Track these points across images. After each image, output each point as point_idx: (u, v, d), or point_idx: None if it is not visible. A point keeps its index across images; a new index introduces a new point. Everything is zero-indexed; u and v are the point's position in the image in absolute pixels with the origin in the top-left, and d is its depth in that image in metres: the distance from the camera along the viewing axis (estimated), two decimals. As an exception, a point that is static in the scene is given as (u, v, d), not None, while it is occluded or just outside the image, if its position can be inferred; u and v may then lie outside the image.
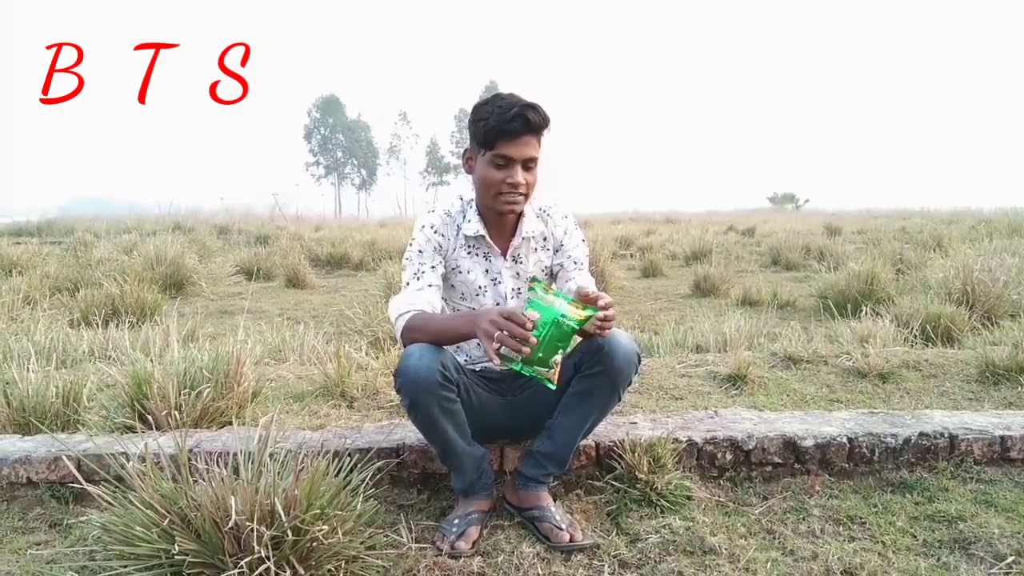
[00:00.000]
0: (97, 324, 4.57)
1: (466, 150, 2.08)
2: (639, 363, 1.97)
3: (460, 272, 2.13)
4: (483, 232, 2.09)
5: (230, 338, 3.55)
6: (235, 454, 1.83)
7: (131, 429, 2.49)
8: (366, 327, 4.71)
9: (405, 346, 1.94)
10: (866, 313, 4.80)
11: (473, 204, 2.13)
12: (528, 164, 1.99)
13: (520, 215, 2.11)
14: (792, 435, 2.29)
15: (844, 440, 2.28)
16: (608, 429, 2.36)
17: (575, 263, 2.16)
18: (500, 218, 2.09)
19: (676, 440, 2.26)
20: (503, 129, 1.92)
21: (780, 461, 2.30)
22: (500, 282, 2.14)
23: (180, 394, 2.57)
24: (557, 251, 2.18)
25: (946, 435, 2.31)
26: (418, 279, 2.05)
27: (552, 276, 2.21)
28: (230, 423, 2.62)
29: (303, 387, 3.24)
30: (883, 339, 4.10)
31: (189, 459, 1.87)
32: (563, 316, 1.72)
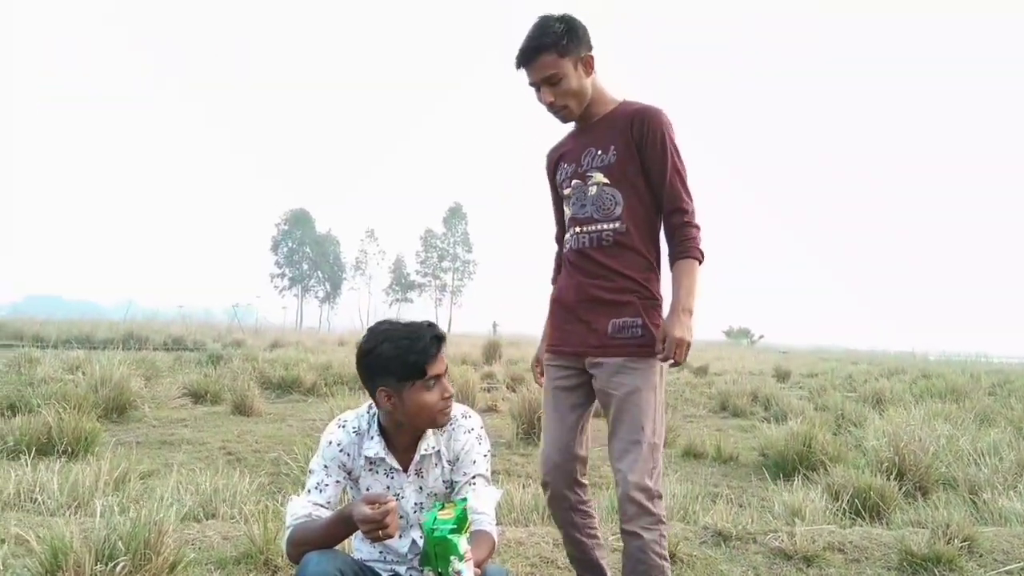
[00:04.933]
0: (27, 461, 4.46)
1: (381, 390, 2.07)
2: None
3: (361, 489, 2.18)
4: (383, 454, 2.14)
5: (158, 491, 3.52)
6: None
7: (41, 603, 2.43)
8: (304, 474, 4.66)
9: (290, 556, 2.02)
10: (800, 481, 4.90)
11: (376, 420, 2.18)
12: (447, 372, 2.14)
13: (421, 433, 2.17)
14: (703, 640, 2.32)
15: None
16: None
17: (469, 480, 2.17)
18: (402, 435, 2.15)
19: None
20: (427, 355, 2.04)
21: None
22: (403, 497, 2.17)
23: (96, 565, 2.53)
24: (454, 465, 2.22)
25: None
26: (320, 491, 2.12)
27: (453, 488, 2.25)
28: (145, 597, 2.57)
29: (227, 551, 3.19)
30: (813, 513, 4.18)
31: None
32: (433, 526, 1.80)
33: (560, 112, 2.43)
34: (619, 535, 3.62)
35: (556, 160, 2.60)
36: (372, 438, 2.16)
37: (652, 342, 2.30)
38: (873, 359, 25.26)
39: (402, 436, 2.16)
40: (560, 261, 2.66)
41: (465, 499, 2.00)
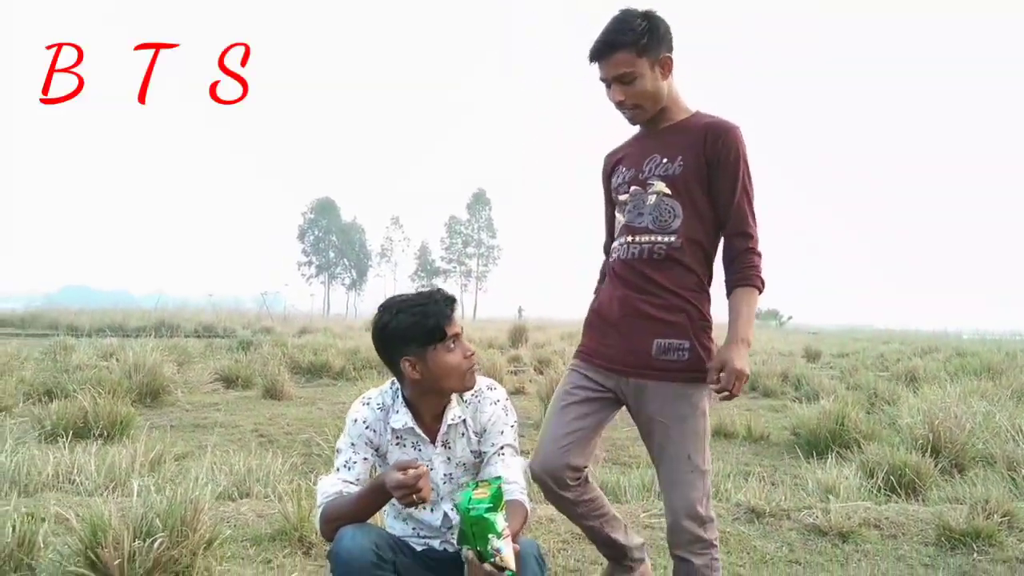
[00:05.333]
0: (65, 444, 4.54)
1: (406, 360, 2.08)
2: (541, 564, 1.99)
3: (390, 465, 2.18)
4: (412, 424, 2.16)
5: (192, 471, 3.56)
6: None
7: (82, 579, 2.48)
8: (335, 453, 4.70)
9: (323, 533, 2.04)
10: (833, 459, 4.84)
11: (400, 395, 2.19)
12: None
13: (447, 403, 2.18)
14: (739, 613, 2.31)
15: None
16: (558, 598, 2.37)
17: (498, 451, 2.18)
18: (428, 405, 2.16)
19: (624, 615, 2.27)
20: (444, 315, 2.07)
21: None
22: (432, 468, 2.17)
23: (134, 541, 2.57)
24: (481, 437, 2.22)
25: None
26: (349, 469, 2.14)
27: (481, 458, 2.25)
28: (183, 573, 2.61)
29: (262, 528, 3.22)
30: (847, 490, 4.13)
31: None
32: (469, 506, 1.78)
33: (629, 112, 2.30)
34: (648, 513, 3.64)
35: (614, 164, 2.45)
36: (398, 411, 2.17)
37: (700, 366, 2.19)
38: (905, 338, 24.89)
39: (428, 407, 2.17)
40: (603, 271, 2.55)
41: (499, 478, 2.00)
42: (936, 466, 4.76)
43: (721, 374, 2.10)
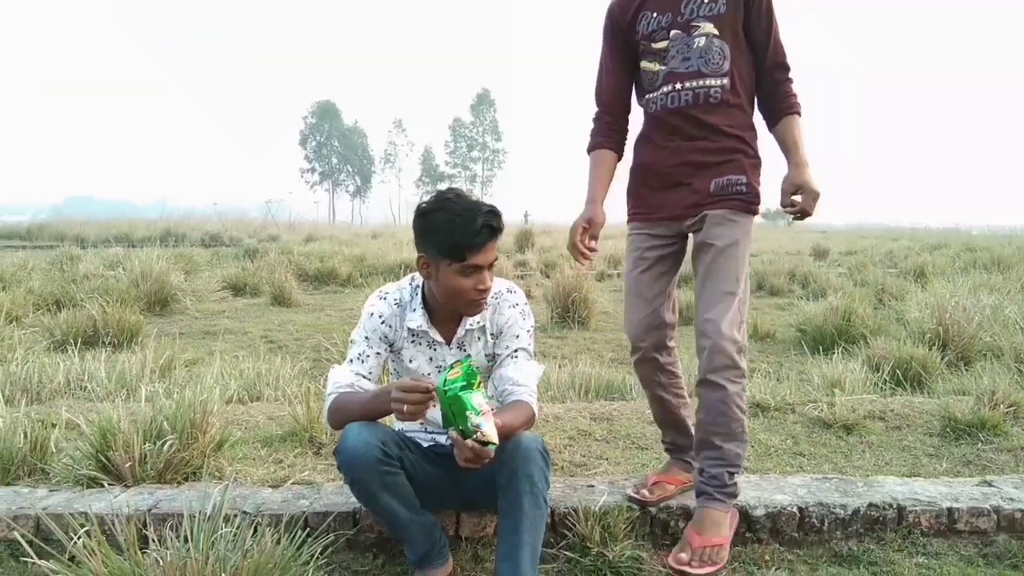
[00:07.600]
0: (74, 352, 4.57)
1: (421, 257, 2.03)
2: (545, 457, 1.97)
3: (403, 361, 2.17)
4: (425, 327, 2.12)
5: (202, 376, 3.59)
6: (191, 516, 1.85)
7: (95, 480, 2.52)
8: (343, 358, 4.73)
9: (330, 423, 2.06)
10: (839, 355, 4.85)
11: (419, 293, 2.15)
12: (492, 265, 2.05)
13: None
14: (744, 504, 2.32)
15: (795, 510, 2.32)
16: (565, 493, 2.40)
17: (511, 354, 2.15)
18: (444, 308, 2.12)
19: (631, 508, 2.30)
20: (472, 243, 1.94)
21: (733, 528, 2.33)
22: (445, 370, 2.16)
23: (144, 444, 2.59)
24: (497, 339, 2.19)
25: (895, 506, 2.34)
26: (362, 362, 2.12)
27: (495, 361, 2.22)
28: (195, 474, 2.65)
29: (272, 430, 3.26)
30: (852, 384, 4.14)
31: (143, 527, 1.89)
32: (444, 387, 1.79)
33: None
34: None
35: (635, 10, 2.33)
36: (415, 310, 2.13)
37: (753, 200, 2.28)
38: (915, 236, 24.76)
39: (445, 309, 2.13)
40: (604, 125, 2.46)
41: (469, 356, 2.04)
42: (943, 359, 4.77)
43: (796, 196, 2.19)
